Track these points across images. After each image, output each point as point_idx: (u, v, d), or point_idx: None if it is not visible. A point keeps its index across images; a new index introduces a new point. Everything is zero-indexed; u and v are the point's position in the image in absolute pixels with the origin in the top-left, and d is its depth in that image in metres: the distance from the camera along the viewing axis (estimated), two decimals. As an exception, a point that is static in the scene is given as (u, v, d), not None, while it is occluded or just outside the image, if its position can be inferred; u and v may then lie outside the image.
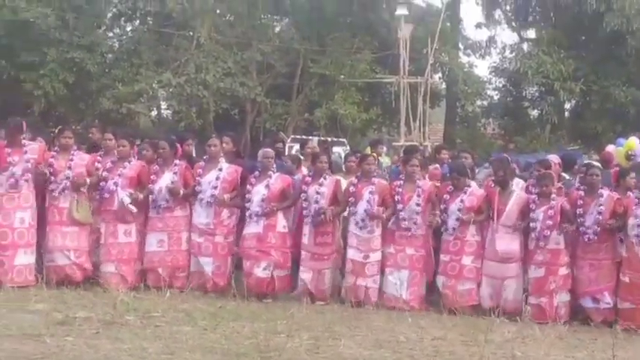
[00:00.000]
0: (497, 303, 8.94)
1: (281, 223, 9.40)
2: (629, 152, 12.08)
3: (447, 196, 9.35)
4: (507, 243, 9.07)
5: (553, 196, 9.06)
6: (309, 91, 24.71)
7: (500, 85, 27.98)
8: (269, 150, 9.85)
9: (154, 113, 25.98)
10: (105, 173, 9.46)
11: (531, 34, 28.41)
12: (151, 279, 9.48)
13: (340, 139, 21.30)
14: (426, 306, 9.35)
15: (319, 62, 24.13)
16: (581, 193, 9.14)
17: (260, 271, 9.23)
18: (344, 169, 10.50)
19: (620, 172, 9.79)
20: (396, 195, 9.37)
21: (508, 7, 28.36)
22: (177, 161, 9.67)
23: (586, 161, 11.88)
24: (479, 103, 28.10)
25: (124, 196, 9.36)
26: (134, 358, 6.13)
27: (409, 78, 23.05)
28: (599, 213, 8.88)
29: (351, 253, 9.35)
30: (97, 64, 22.56)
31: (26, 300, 8.15)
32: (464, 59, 27.50)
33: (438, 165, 10.65)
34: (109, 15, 24.65)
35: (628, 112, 23.97)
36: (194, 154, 10.72)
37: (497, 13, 28.45)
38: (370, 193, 9.34)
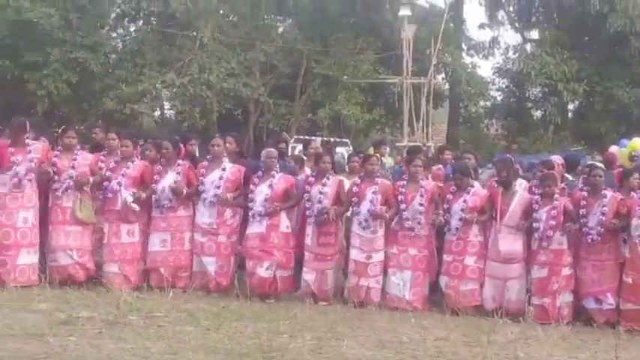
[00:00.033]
0: (499, 304, 8.93)
1: (284, 223, 9.41)
2: (633, 153, 12.05)
3: (449, 197, 9.36)
4: (510, 243, 9.07)
5: (556, 196, 9.06)
6: (313, 91, 24.71)
7: (504, 86, 27.96)
8: (272, 150, 9.85)
9: (157, 113, 25.97)
10: (108, 173, 9.47)
11: (534, 34, 28.39)
12: (153, 279, 9.49)
13: (343, 140, 21.26)
14: (429, 306, 9.35)
15: (322, 63, 24.13)
16: (585, 193, 9.12)
17: (263, 271, 9.23)
18: (347, 170, 10.51)
19: (623, 172, 9.77)
20: (400, 195, 9.38)
21: (511, 8, 28.32)
22: (180, 161, 9.68)
23: (589, 162, 11.89)
24: (482, 103, 28.07)
25: (126, 195, 9.37)
26: (137, 358, 6.13)
27: (412, 78, 23.03)
28: (603, 214, 8.87)
29: (354, 254, 9.35)
30: (101, 65, 22.57)
31: (29, 300, 8.16)
32: (467, 60, 27.50)
33: (441, 165, 10.66)
34: (113, 15, 24.66)
35: (631, 113, 23.93)
36: (197, 154, 10.73)
37: (501, 14, 28.42)
38: (373, 193, 9.34)
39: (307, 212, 9.47)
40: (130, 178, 9.48)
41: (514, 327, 8.08)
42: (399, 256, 9.36)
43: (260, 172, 9.54)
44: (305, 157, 11.38)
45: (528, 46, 27.44)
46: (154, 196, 9.55)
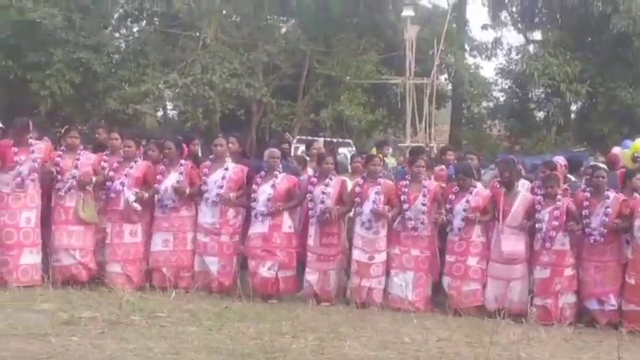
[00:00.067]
0: (502, 305, 8.93)
1: (287, 223, 9.41)
2: (636, 154, 12.04)
3: (452, 197, 9.36)
4: (513, 244, 9.06)
5: (559, 197, 9.05)
6: (315, 92, 24.71)
7: (506, 87, 27.97)
8: (275, 150, 9.85)
9: (160, 114, 26.02)
10: (111, 173, 9.48)
11: (537, 35, 28.39)
12: (156, 279, 9.49)
13: (346, 140, 21.29)
14: (432, 307, 9.34)
15: (325, 63, 24.13)
16: (587, 194, 9.11)
17: (265, 271, 9.23)
18: (350, 170, 10.51)
19: (626, 173, 9.76)
20: (402, 195, 9.37)
21: (514, 9, 28.31)
22: (182, 161, 9.68)
23: (592, 163, 11.86)
24: (485, 104, 28.06)
25: (129, 194, 9.37)
26: (139, 358, 6.13)
27: (415, 79, 23.04)
28: (606, 215, 8.86)
29: (357, 254, 9.35)
30: (104, 65, 22.61)
31: (32, 300, 8.17)
32: (470, 60, 27.51)
33: (443, 166, 10.65)
34: (116, 15, 24.71)
35: (634, 113, 23.93)
36: (200, 154, 10.73)
37: (504, 15, 28.40)
38: (376, 193, 9.34)
39: (310, 213, 9.47)
40: (133, 178, 9.48)
41: (516, 328, 8.08)
42: (401, 257, 9.36)
43: (263, 172, 9.54)
44: (307, 158, 11.38)
45: (531, 47, 27.44)
46: (156, 196, 9.55)
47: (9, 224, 9.07)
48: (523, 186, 9.63)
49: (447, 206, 9.33)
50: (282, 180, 9.47)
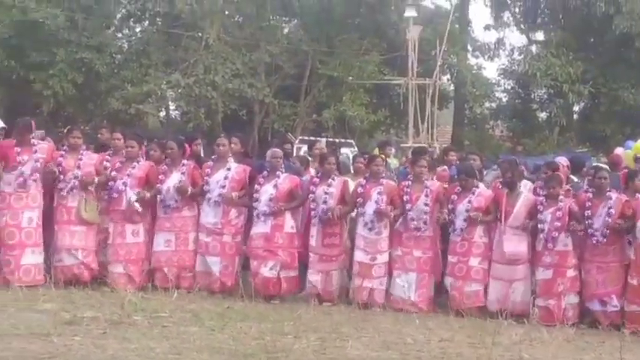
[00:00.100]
0: (504, 306, 8.92)
1: (289, 223, 9.40)
2: (638, 155, 12.02)
3: (454, 197, 9.35)
4: (515, 245, 9.05)
5: (561, 197, 9.05)
6: (318, 92, 24.74)
7: (509, 87, 28.01)
8: (278, 150, 9.86)
9: (162, 114, 26.06)
10: (113, 173, 9.48)
11: (540, 36, 28.43)
12: (158, 279, 9.48)
13: (348, 141, 21.33)
14: (434, 307, 9.34)
15: (327, 64, 24.15)
16: (590, 195, 9.11)
17: (267, 271, 9.22)
18: (352, 171, 10.51)
19: (628, 174, 9.75)
20: (405, 195, 9.37)
21: (517, 9, 28.36)
22: (185, 161, 9.68)
23: (594, 164, 11.86)
24: (487, 105, 28.12)
25: (131, 194, 9.38)
26: (141, 358, 6.14)
27: (417, 79, 23.07)
28: (608, 215, 8.85)
29: (359, 255, 9.34)
30: (106, 65, 22.64)
31: (34, 299, 8.17)
32: (472, 61, 27.57)
33: (446, 167, 10.63)
34: (118, 16, 24.74)
35: (637, 114, 23.89)
36: (202, 154, 10.73)
37: (506, 15, 28.46)
38: (378, 193, 9.34)
39: (312, 213, 9.46)
40: (136, 178, 9.48)
41: (519, 328, 8.06)
42: (403, 257, 9.35)
43: (265, 173, 9.54)
44: (310, 158, 11.38)
45: (534, 48, 27.48)
46: (159, 196, 9.56)
47: (11, 224, 9.07)
48: (525, 187, 9.62)
49: (450, 207, 9.32)
50: (285, 180, 9.47)
